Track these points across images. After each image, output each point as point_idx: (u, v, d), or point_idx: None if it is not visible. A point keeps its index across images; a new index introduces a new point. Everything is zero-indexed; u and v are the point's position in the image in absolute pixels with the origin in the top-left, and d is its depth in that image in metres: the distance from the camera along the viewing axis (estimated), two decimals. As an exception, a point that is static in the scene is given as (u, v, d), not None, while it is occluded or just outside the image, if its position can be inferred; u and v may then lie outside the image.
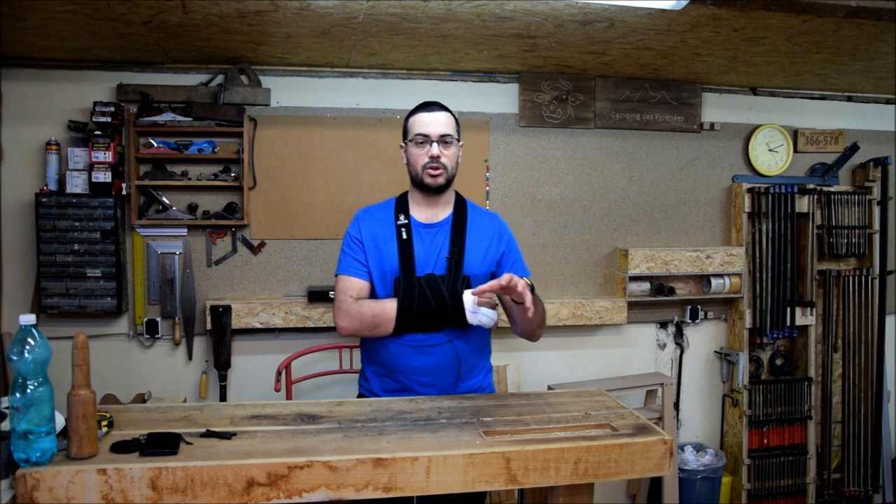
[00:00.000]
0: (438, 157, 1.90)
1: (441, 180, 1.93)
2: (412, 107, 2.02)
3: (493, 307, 1.87)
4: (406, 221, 1.97)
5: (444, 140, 1.92)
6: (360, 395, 2.06)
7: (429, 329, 1.90)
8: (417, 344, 1.91)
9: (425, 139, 1.91)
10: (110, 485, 1.34)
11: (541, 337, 2.01)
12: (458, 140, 1.98)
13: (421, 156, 1.92)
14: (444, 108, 1.97)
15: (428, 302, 1.87)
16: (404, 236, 1.94)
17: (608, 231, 3.26)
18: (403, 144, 2.00)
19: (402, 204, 2.02)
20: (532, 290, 1.79)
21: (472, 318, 1.85)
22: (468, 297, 1.85)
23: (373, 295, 1.98)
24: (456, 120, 1.99)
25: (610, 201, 3.26)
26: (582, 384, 3.04)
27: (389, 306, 1.89)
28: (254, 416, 1.69)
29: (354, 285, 1.95)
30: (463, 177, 3.07)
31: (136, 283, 2.88)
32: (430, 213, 1.99)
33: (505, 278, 1.67)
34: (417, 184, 1.96)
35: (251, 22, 2.29)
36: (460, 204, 2.03)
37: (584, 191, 3.23)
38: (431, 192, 1.95)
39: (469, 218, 2.01)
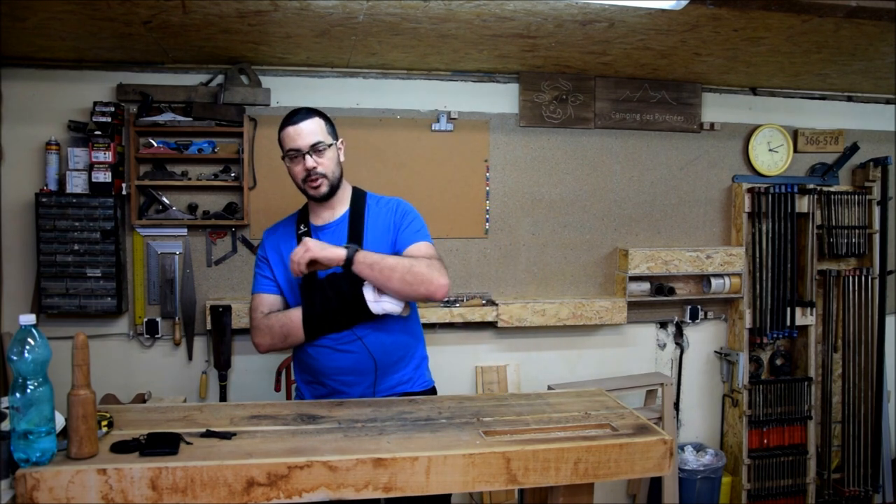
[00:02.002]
0: (314, 167, 1.89)
1: (323, 189, 1.92)
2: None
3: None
4: (305, 229, 1.99)
5: (315, 149, 1.89)
6: None
7: (339, 328, 1.89)
8: (331, 344, 1.91)
9: (297, 153, 1.89)
10: (110, 485, 1.34)
11: (419, 294, 1.81)
12: (335, 139, 1.96)
13: (298, 171, 1.91)
14: (309, 113, 1.92)
15: (330, 301, 1.87)
16: None
17: (608, 231, 3.26)
18: (282, 159, 1.97)
19: (303, 214, 2.04)
20: (354, 253, 1.77)
21: (375, 307, 1.83)
22: (368, 288, 1.83)
23: (286, 307, 1.98)
24: (326, 119, 1.95)
25: (610, 201, 3.26)
26: (582, 384, 3.04)
27: (295, 314, 1.90)
28: (254, 416, 1.69)
29: (265, 301, 1.97)
30: (463, 177, 3.09)
31: (136, 283, 2.88)
32: (326, 215, 1.99)
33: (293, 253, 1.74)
34: (305, 195, 1.97)
35: (251, 22, 2.29)
36: (357, 199, 2.01)
37: (584, 191, 3.23)
38: (321, 199, 1.95)
39: (367, 209, 1.99)
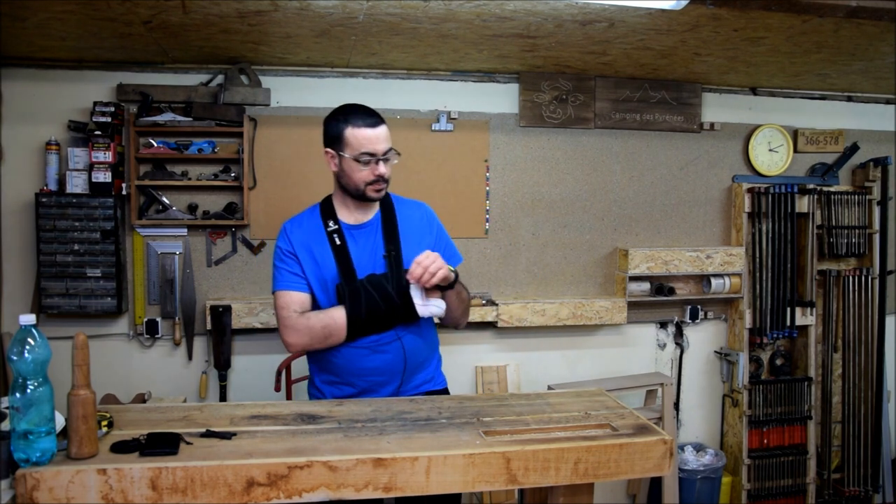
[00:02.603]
0: (384, 174, 1.88)
1: (383, 193, 1.93)
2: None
3: (441, 297, 1.86)
4: (336, 226, 1.94)
5: (386, 156, 1.88)
6: None
7: (381, 329, 1.89)
8: (371, 344, 1.90)
9: (372, 157, 1.86)
10: (110, 485, 1.34)
11: (465, 324, 2.07)
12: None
13: (366, 175, 1.87)
14: (380, 118, 1.91)
15: (376, 304, 1.85)
16: (337, 242, 1.92)
17: (608, 231, 3.26)
18: (332, 152, 1.91)
19: (327, 209, 1.99)
20: (456, 277, 1.85)
21: (423, 310, 1.84)
22: (415, 290, 1.83)
23: (315, 306, 1.95)
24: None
25: (610, 201, 3.26)
26: (582, 384, 3.04)
27: (338, 315, 1.86)
28: (254, 416, 1.69)
29: (296, 299, 1.91)
30: (463, 177, 3.09)
31: (136, 283, 2.88)
32: (359, 214, 1.97)
33: (420, 256, 1.75)
34: (355, 196, 1.93)
35: (251, 22, 2.29)
36: (385, 200, 2.01)
37: (584, 191, 3.23)
38: (370, 202, 1.95)
39: (397, 211, 1.99)
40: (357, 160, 1.86)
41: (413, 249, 1.91)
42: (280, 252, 1.96)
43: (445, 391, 2.09)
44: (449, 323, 2.02)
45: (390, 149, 1.89)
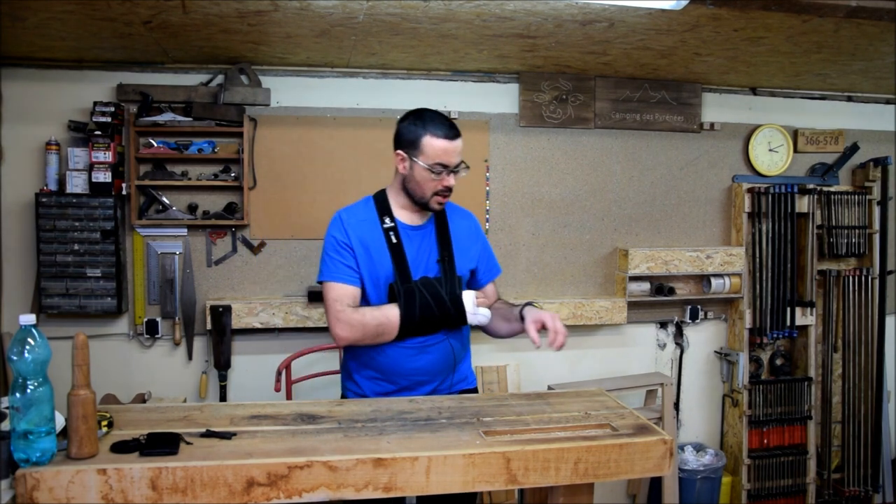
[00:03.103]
0: (451, 185, 1.90)
1: (444, 204, 1.96)
2: (413, 107, 2.01)
3: (489, 306, 1.92)
4: (392, 224, 1.94)
5: (456, 169, 1.90)
6: (343, 398, 2.06)
7: (430, 332, 1.91)
8: (418, 345, 1.91)
9: (444, 169, 1.87)
10: (110, 485, 1.34)
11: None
12: None
13: (434, 184, 1.88)
14: (459, 131, 1.91)
15: (430, 307, 1.87)
16: (394, 240, 1.91)
17: (608, 231, 3.26)
18: (404, 155, 1.91)
19: (382, 204, 1.97)
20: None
21: (472, 318, 1.89)
22: (468, 298, 1.87)
23: (364, 300, 1.94)
24: None
25: (610, 201, 3.26)
26: (582, 384, 3.04)
27: (392, 314, 1.86)
28: (254, 416, 1.69)
29: (348, 293, 1.89)
30: (463, 177, 3.08)
31: (136, 283, 2.88)
32: (415, 216, 1.98)
33: (549, 324, 1.83)
34: (418, 202, 1.93)
35: (251, 22, 2.29)
36: None
37: (584, 191, 3.23)
38: (430, 210, 1.96)
39: (449, 218, 2.02)
40: (430, 170, 1.86)
41: (463, 256, 1.98)
42: (335, 242, 1.92)
43: (475, 390, 2.12)
44: (491, 334, 2.11)
45: (462, 163, 1.91)
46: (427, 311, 1.87)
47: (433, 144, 1.86)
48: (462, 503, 1.93)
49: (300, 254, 2.99)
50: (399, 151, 1.93)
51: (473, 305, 1.87)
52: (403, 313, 1.86)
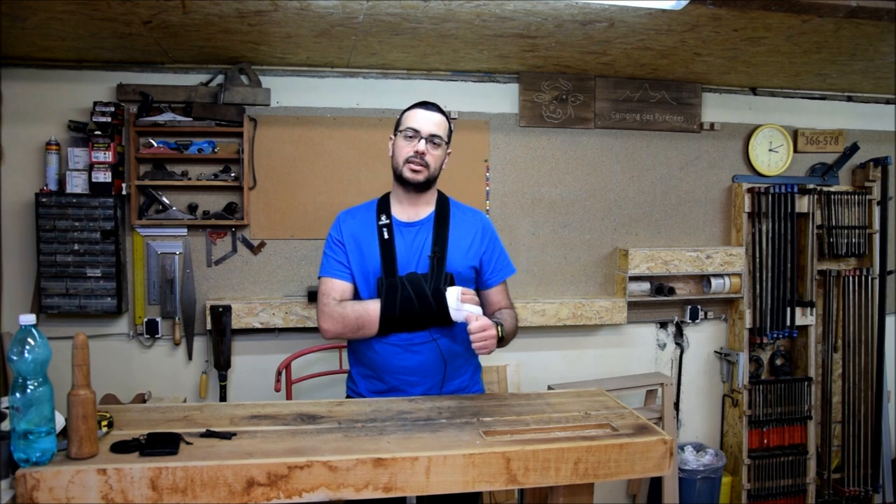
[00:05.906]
0: (423, 153, 1.90)
1: (420, 178, 1.91)
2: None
3: (478, 304, 1.87)
4: (388, 221, 1.96)
5: (432, 140, 1.91)
6: (347, 397, 2.06)
7: (413, 328, 1.90)
8: (403, 343, 1.91)
9: (415, 134, 1.90)
10: (110, 485, 1.34)
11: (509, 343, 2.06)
12: (448, 145, 1.98)
13: (406, 149, 1.91)
14: (440, 110, 1.97)
15: (411, 301, 1.86)
16: (385, 236, 1.94)
17: (608, 231, 3.26)
18: (392, 137, 1.99)
19: (383, 204, 2.01)
20: (501, 335, 1.85)
21: (455, 315, 1.84)
22: (452, 294, 1.84)
23: (356, 296, 1.97)
24: (450, 126, 1.99)
25: (610, 201, 3.26)
26: (582, 384, 3.04)
27: (372, 307, 1.88)
28: (254, 416, 1.69)
29: (337, 287, 1.94)
30: (463, 177, 3.09)
31: (136, 283, 2.88)
32: (411, 212, 1.98)
33: (473, 325, 1.76)
34: (398, 177, 1.95)
35: (251, 22, 2.29)
36: (442, 202, 2.03)
37: (584, 191, 3.23)
38: (411, 188, 1.94)
39: (451, 215, 2.01)
40: (403, 134, 1.92)
41: (459, 253, 1.95)
42: (330, 239, 2.00)
43: None
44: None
45: (438, 135, 1.92)
46: (408, 305, 1.86)
47: (407, 114, 1.96)
48: (464, 503, 1.93)
49: (300, 254, 2.99)
50: (390, 137, 2.01)
51: (458, 301, 1.83)
52: (383, 307, 1.87)
